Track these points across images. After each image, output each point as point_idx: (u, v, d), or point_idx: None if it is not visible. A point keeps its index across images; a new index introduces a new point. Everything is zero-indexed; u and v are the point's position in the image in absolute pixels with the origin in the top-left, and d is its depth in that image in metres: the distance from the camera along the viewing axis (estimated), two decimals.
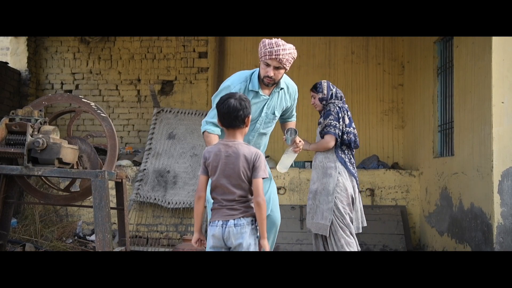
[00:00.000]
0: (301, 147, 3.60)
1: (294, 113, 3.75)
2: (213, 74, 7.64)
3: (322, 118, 4.20)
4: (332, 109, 4.13)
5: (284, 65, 3.21)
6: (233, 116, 2.66)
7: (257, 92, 3.30)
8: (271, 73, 3.20)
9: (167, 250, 5.99)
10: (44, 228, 6.09)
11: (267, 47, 3.17)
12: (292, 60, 3.25)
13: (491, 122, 4.48)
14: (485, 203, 4.62)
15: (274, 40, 3.20)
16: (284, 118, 3.73)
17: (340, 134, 4.08)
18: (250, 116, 2.74)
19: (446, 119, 5.93)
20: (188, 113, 7.01)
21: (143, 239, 6.35)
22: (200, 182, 2.72)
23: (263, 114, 3.38)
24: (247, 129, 2.76)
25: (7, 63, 7.14)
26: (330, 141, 4.07)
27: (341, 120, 4.10)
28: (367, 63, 7.67)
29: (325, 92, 4.21)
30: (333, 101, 4.19)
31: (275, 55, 3.15)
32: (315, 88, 4.26)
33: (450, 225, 5.50)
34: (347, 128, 4.11)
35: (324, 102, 4.21)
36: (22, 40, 7.47)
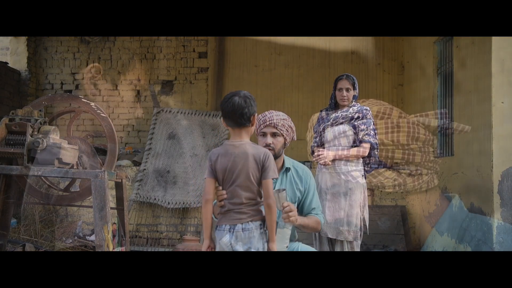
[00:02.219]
0: (292, 218, 2.73)
1: (316, 206, 3.11)
2: (213, 74, 7.64)
3: (360, 122, 3.95)
4: (372, 118, 4.00)
5: (281, 131, 3.03)
6: (238, 114, 2.56)
7: None
8: (269, 140, 3.02)
9: (167, 250, 5.99)
10: (44, 228, 6.09)
11: (260, 117, 3.06)
12: (289, 129, 3.05)
13: (491, 122, 4.47)
14: (485, 203, 4.62)
15: (264, 112, 3.11)
16: (305, 212, 3.10)
17: (376, 143, 4.00)
18: (256, 115, 2.65)
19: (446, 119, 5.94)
20: (188, 113, 7.01)
21: (143, 239, 6.35)
22: (207, 184, 2.61)
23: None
24: (253, 128, 2.67)
25: (7, 63, 7.14)
26: (369, 148, 3.96)
27: (375, 130, 4.04)
28: (367, 63, 7.67)
29: (357, 91, 4.06)
30: (367, 107, 4.05)
31: (269, 121, 3.03)
32: (353, 81, 4.00)
33: (450, 225, 5.50)
34: None
35: (353, 101, 4.06)
36: (22, 40, 7.48)
